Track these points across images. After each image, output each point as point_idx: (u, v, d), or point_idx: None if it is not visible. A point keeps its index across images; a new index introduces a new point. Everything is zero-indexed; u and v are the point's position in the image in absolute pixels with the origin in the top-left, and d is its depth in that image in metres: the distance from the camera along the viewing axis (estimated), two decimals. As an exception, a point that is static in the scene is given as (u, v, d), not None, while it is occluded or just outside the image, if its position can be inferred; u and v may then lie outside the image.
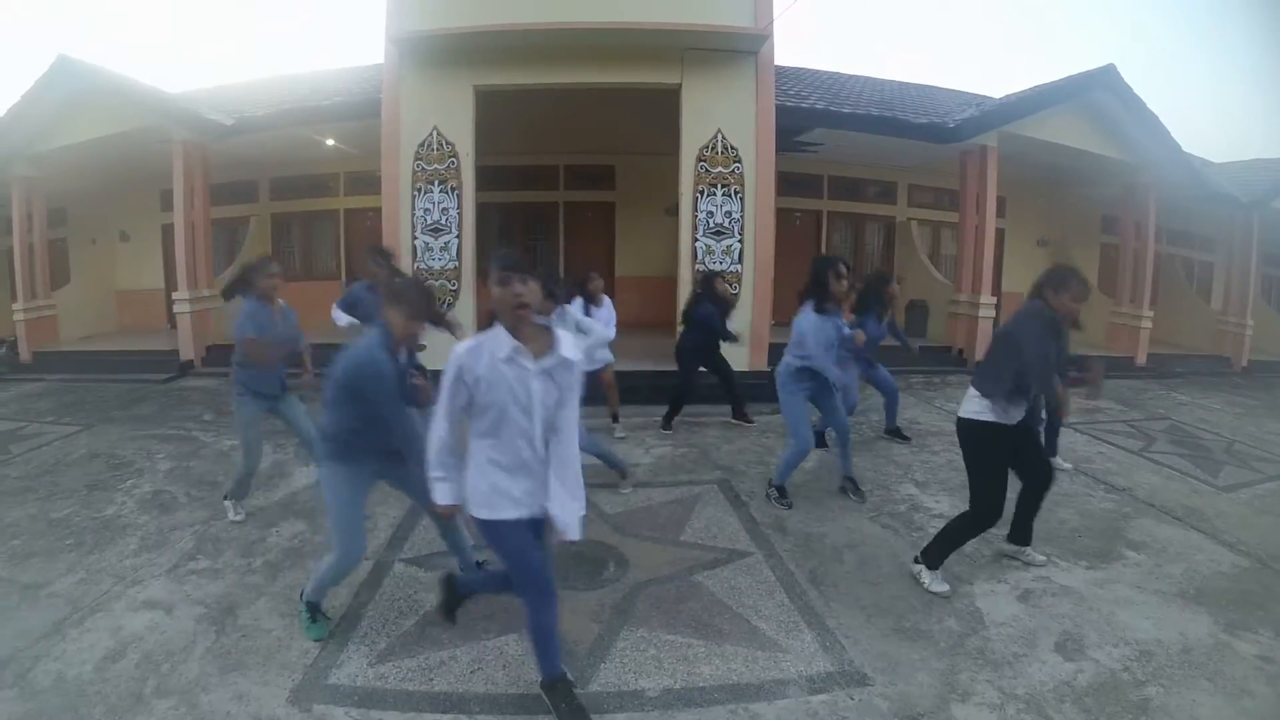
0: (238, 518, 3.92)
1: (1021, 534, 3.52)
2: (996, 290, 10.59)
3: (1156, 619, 3.03)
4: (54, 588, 3.13)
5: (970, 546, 3.73)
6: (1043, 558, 3.53)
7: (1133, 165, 9.85)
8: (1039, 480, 3.40)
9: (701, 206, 6.97)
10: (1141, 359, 10.49)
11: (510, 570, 2.30)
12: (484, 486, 2.17)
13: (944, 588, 3.19)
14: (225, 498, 4.00)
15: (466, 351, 2.10)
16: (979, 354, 7.98)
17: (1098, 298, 11.61)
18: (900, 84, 12.43)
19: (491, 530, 2.21)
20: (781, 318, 8.95)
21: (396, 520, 3.92)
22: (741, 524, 4.02)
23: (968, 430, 3.20)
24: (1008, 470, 3.19)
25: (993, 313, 9.36)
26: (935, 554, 3.25)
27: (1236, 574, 3.56)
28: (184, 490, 4.42)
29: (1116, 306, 10.97)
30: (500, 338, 2.09)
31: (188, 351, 8.71)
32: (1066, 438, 6.28)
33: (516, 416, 2.11)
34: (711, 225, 6.99)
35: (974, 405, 3.18)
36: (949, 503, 4.33)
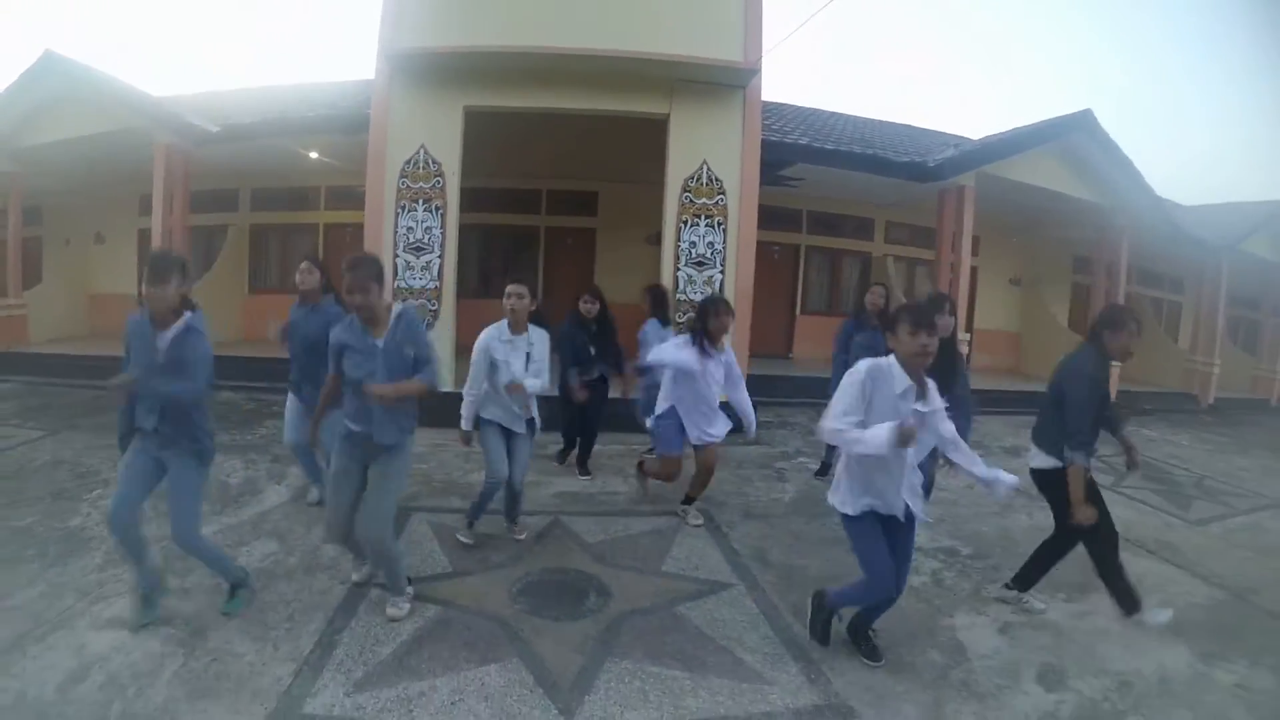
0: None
1: (1027, 580, 3.50)
2: (969, 327, 10.81)
3: (1135, 650, 3.07)
4: (14, 600, 2.99)
5: (950, 579, 3.78)
6: (1042, 605, 3.48)
7: (1107, 208, 10.13)
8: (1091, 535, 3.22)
9: (685, 236, 7.01)
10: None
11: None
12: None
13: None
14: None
15: (872, 368, 2.56)
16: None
17: (1068, 335, 11.94)
18: (880, 122, 12.74)
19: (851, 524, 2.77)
20: (761, 349, 9.08)
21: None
22: (723, 555, 3.98)
23: (1048, 478, 3.24)
24: None
25: (967, 349, 9.51)
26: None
27: (1211, 606, 3.65)
28: (149, 504, 4.25)
29: (1087, 344, 11.16)
30: (896, 372, 2.54)
31: (153, 359, 8.47)
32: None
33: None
34: (694, 255, 7.03)
35: (1043, 460, 3.24)
36: (928, 535, 4.35)
